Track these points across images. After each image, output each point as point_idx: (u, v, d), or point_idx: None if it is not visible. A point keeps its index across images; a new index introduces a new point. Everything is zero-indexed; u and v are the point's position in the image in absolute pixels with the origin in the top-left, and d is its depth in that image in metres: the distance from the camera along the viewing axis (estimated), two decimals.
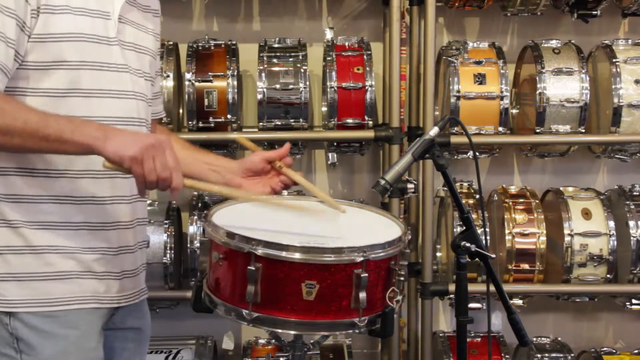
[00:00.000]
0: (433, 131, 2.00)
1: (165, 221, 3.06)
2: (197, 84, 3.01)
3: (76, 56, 1.76)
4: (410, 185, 3.02)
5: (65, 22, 1.74)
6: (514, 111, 3.29)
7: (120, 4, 1.85)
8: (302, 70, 3.03)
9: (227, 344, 3.19)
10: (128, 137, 1.66)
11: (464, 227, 1.99)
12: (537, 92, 3.07)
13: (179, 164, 1.68)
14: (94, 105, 1.79)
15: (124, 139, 1.64)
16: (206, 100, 3.02)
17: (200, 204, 3.15)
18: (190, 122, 3.03)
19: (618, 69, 3.07)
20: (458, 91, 3.06)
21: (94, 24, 1.79)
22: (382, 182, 1.97)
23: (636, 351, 3.31)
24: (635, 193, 3.21)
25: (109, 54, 1.82)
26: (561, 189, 3.25)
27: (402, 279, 1.80)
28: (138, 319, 2.00)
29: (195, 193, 3.21)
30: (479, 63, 3.09)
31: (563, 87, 3.07)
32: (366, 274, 1.69)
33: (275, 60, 3.07)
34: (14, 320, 1.75)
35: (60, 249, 1.79)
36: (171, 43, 3.13)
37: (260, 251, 1.67)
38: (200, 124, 3.03)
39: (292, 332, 1.76)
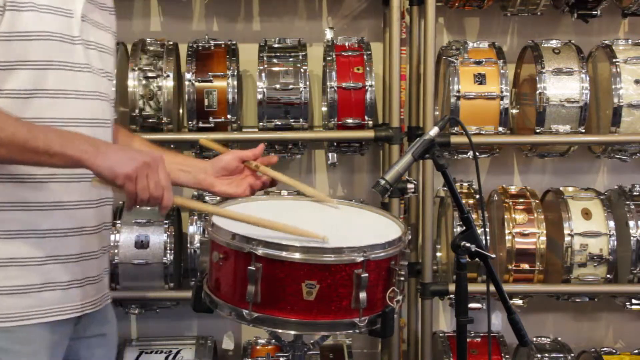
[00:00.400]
0: (433, 131, 2.00)
1: (165, 221, 3.06)
2: (197, 84, 3.01)
3: (42, 55, 1.71)
4: (410, 185, 3.03)
5: (31, 19, 1.69)
6: (514, 111, 3.29)
7: (82, 3, 1.81)
8: (302, 70, 3.03)
9: (227, 344, 3.19)
10: (121, 153, 1.63)
11: (464, 227, 1.99)
12: (537, 92, 3.06)
13: (170, 183, 1.67)
14: (60, 106, 1.74)
15: (117, 155, 1.62)
16: (206, 100, 3.02)
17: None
18: (190, 122, 3.03)
19: (618, 69, 3.07)
20: (458, 91, 3.06)
21: (59, 22, 1.75)
22: (382, 182, 1.97)
23: (636, 351, 3.31)
24: (635, 193, 3.21)
25: (73, 53, 1.77)
26: (561, 189, 3.25)
27: (402, 279, 1.80)
28: (102, 324, 1.95)
29: (195, 192, 3.21)
30: (479, 63, 3.09)
31: (563, 87, 3.07)
32: (366, 274, 1.69)
33: (275, 60, 3.07)
34: None
35: (22, 261, 1.72)
36: (171, 43, 3.13)
37: (260, 251, 1.68)
38: (200, 124, 3.03)
39: (292, 332, 1.76)
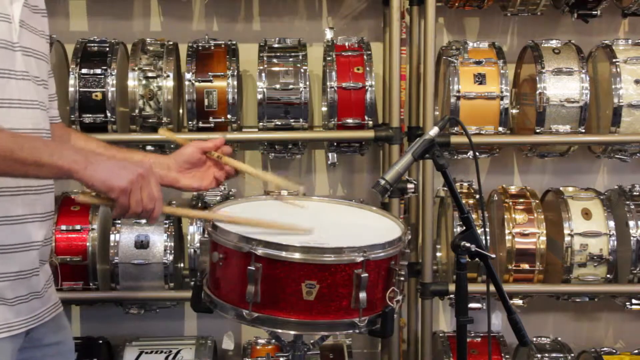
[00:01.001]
0: (433, 131, 2.00)
1: (165, 221, 3.06)
2: (197, 84, 3.01)
3: None
4: (410, 185, 3.03)
5: None
6: (514, 111, 3.29)
7: (20, 7, 1.72)
8: (302, 70, 3.03)
9: (227, 344, 3.19)
10: (112, 164, 1.60)
11: (464, 227, 1.99)
12: (537, 92, 3.06)
13: (161, 194, 1.64)
14: (3, 116, 1.66)
15: (109, 167, 1.58)
16: (206, 100, 3.02)
17: (200, 204, 3.15)
18: (190, 122, 3.03)
19: (618, 69, 3.07)
20: (458, 91, 3.06)
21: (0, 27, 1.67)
22: (382, 182, 1.97)
23: (636, 351, 3.30)
24: (635, 193, 3.21)
25: (14, 60, 1.70)
26: (561, 189, 3.25)
27: (402, 279, 1.80)
28: (55, 333, 1.88)
29: (195, 193, 3.21)
30: (479, 63, 3.09)
31: (563, 87, 3.07)
32: (366, 274, 1.69)
33: (275, 60, 3.07)
34: None
35: None
36: (171, 43, 3.13)
37: (260, 251, 1.68)
38: (200, 124, 3.03)
39: (292, 332, 1.77)
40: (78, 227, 3.02)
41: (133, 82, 2.99)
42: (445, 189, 3.28)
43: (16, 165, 1.55)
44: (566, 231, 3.08)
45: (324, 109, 3.15)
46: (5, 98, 1.67)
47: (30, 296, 1.77)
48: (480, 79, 3.08)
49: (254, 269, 1.67)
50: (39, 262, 1.80)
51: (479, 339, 3.23)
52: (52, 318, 1.86)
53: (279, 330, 1.76)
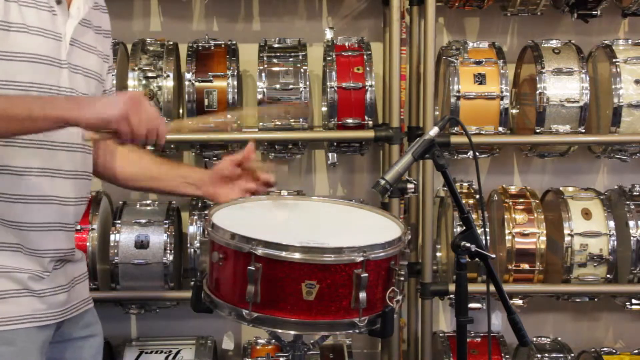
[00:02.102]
0: (433, 131, 2.00)
1: (165, 221, 3.05)
2: (197, 84, 3.01)
3: (27, 77, 1.71)
4: (410, 185, 3.03)
5: (20, 40, 1.70)
6: (514, 111, 3.29)
7: (73, 26, 1.81)
8: (302, 70, 3.03)
9: (227, 344, 3.19)
10: (104, 100, 1.65)
11: (464, 227, 1.99)
12: (537, 92, 3.06)
13: (159, 113, 1.67)
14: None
15: (101, 103, 1.63)
16: (206, 100, 3.02)
17: (200, 204, 3.15)
18: (190, 122, 3.03)
19: (618, 69, 3.07)
20: (458, 91, 3.06)
21: (48, 45, 1.74)
22: (382, 182, 1.97)
23: (636, 351, 3.31)
24: (635, 193, 3.21)
25: (59, 77, 1.77)
26: (561, 189, 3.25)
27: (402, 279, 1.80)
28: (86, 327, 1.95)
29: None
30: (479, 63, 3.09)
31: (563, 87, 3.07)
32: (366, 274, 1.69)
33: (275, 60, 3.07)
34: None
35: None
36: (171, 43, 3.13)
37: (260, 251, 1.68)
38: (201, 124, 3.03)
39: (292, 332, 1.77)
40: (78, 227, 3.01)
41: (133, 82, 2.99)
42: (445, 189, 3.28)
43: (11, 122, 1.60)
44: (566, 231, 3.08)
45: (324, 109, 3.15)
46: None
47: (58, 289, 1.83)
48: (480, 79, 3.08)
49: (254, 269, 1.67)
50: (69, 255, 1.86)
51: (479, 339, 3.23)
52: (81, 313, 1.92)
53: (279, 330, 1.76)
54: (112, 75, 2.06)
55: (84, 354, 1.94)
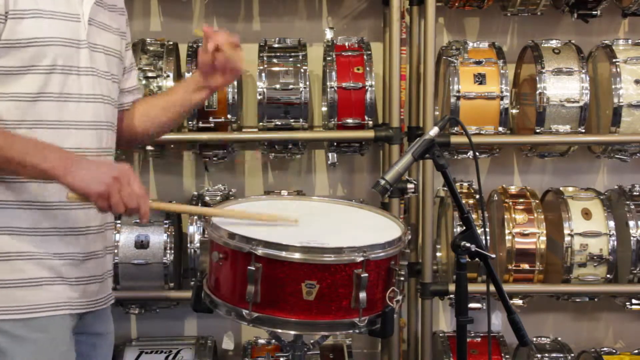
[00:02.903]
0: (433, 131, 2.00)
1: (165, 221, 3.05)
2: None
3: (47, 60, 1.75)
4: (410, 185, 3.03)
5: (35, 26, 1.73)
6: (514, 111, 3.29)
7: (90, 5, 1.84)
8: (302, 70, 3.03)
9: (227, 344, 3.19)
10: (92, 169, 1.67)
11: (464, 227, 1.99)
12: (537, 92, 3.06)
13: (145, 191, 1.70)
14: (63, 109, 1.78)
15: (87, 173, 1.66)
16: (206, 101, 3.01)
17: (200, 204, 3.14)
18: (190, 122, 3.03)
19: (618, 69, 3.07)
20: (458, 91, 3.06)
21: (64, 27, 1.78)
22: (382, 182, 1.97)
23: (636, 351, 3.31)
24: (635, 193, 3.21)
25: (78, 57, 1.81)
26: (561, 189, 3.25)
27: (402, 279, 1.80)
28: (104, 323, 2.00)
29: (195, 192, 3.22)
30: (479, 63, 3.09)
31: (563, 87, 3.07)
32: (366, 274, 1.69)
33: (275, 60, 3.07)
34: None
35: (29, 255, 1.77)
36: (171, 43, 3.13)
37: (260, 251, 1.68)
38: (200, 124, 3.03)
39: (292, 332, 1.77)
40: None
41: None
42: (445, 189, 3.28)
43: (4, 163, 1.66)
44: (566, 231, 3.08)
45: (324, 109, 3.15)
46: (64, 92, 1.78)
47: (90, 279, 1.87)
48: (480, 79, 3.08)
49: (254, 269, 1.67)
50: (101, 247, 1.91)
51: (479, 339, 3.23)
52: (104, 308, 1.97)
53: (279, 330, 1.77)
54: (130, 51, 2.10)
55: (97, 350, 1.98)
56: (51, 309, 1.79)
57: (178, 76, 3.18)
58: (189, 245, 3.07)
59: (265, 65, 3.04)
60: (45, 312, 1.78)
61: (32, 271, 1.77)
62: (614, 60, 3.09)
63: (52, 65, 1.76)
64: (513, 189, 3.31)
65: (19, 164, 1.65)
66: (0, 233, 1.76)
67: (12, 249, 1.76)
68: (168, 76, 3.02)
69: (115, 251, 2.98)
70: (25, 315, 1.76)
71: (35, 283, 1.77)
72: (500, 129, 3.08)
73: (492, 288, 2.05)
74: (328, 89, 3.03)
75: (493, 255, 2.02)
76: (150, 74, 3.00)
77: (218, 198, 3.14)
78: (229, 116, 3.03)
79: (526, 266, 3.12)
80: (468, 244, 1.96)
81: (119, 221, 3.02)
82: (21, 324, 1.76)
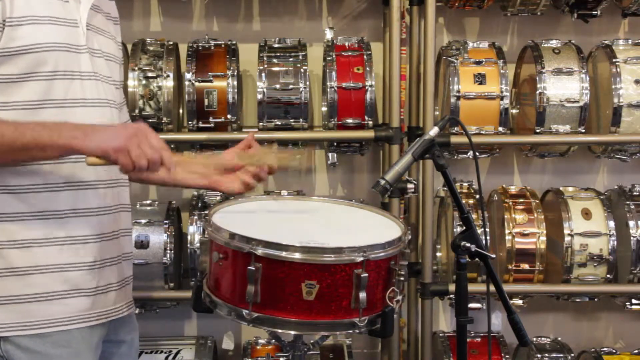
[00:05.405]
0: (433, 131, 2.00)
1: (165, 221, 3.06)
2: (197, 84, 3.01)
3: (48, 66, 1.74)
4: (410, 185, 3.03)
5: (33, 32, 1.72)
6: (514, 111, 3.29)
7: (87, 11, 1.83)
8: (302, 70, 3.03)
9: (227, 344, 3.19)
10: (109, 131, 1.67)
11: (464, 227, 1.99)
12: (537, 92, 3.06)
13: (164, 143, 1.69)
14: (69, 115, 1.76)
15: (104, 134, 1.65)
16: (206, 100, 3.02)
17: (200, 204, 3.15)
18: (190, 122, 3.03)
19: (618, 69, 3.07)
20: (458, 91, 3.06)
21: (63, 32, 1.77)
22: (382, 182, 1.97)
23: (636, 351, 3.30)
24: (635, 193, 3.21)
25: (79, 62, 1.80)
26: (561, 189, 3.25)
27: (402, 279, 1.80)
28: (129, 332, 2.00)
29: (195, 192, 3.21)
30: (479, 63, 3.09)
31: (563, 87, 3.07)
32: (366, 274, 1.69)
33: (275, 60, 3.07)
34: (5, 343, 1.73)
35: (43, 269, 1.75)
36: (171, 43, 3.13)
37: (260, 251, 1.68)
38: (200, 124, 3.03)
39: (292, 332, 1.77)
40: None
41: (133, 82, 2.99)
42: (445, 189, 3.28)
43: (22, 152, 1.64)
44: (566, 231, 3.08)
45: (324, 109, 3.15)
46: (68, 98, 1.79)
47: (107, 287, 1.86)
48: (480, 79, 3.08)
49: (254, 269, 1.67)
50: (117, 254, 1.90)
51: (479, 339, 3.23)
52: (127, 315, 1.96)
53: (279, 330, 1.77)
54: (121, 89, 2.08)
55: (123, 358, 1.97)
56: (65, 324, 1.77)
57: (178, 76, 3.18)
58: (189, 245, 3.07)
59: (265, 65, 3.04)
60: (59, 327, 1.76)
61: (45, 285, 1.75)
62: (614, 60, 3.09)
63: (54, 71, 1.75)
64: (513, 189, 3.30)
65: (37, 148, 1.63)
66: (14, 247, 1.74)
67: (24, 263, 1.74)
68: (168, 76, 3.02)
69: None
70: (40, 330, 1.74)
71: (49, 297, 1.76)
72: (500, 129, 3.08)
73: (492, 288, 2.05)
74: (328, 89, 3.03)
75: (493, 255, 2.02)
76: (150, 74, 3.00)
77: (218, 198, 3.14)
78: (229, 116, 3.03)
79: (526, 266, 3.12)
80: (468, 244, 1.96)
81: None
82: (39, 339, 1.74)
